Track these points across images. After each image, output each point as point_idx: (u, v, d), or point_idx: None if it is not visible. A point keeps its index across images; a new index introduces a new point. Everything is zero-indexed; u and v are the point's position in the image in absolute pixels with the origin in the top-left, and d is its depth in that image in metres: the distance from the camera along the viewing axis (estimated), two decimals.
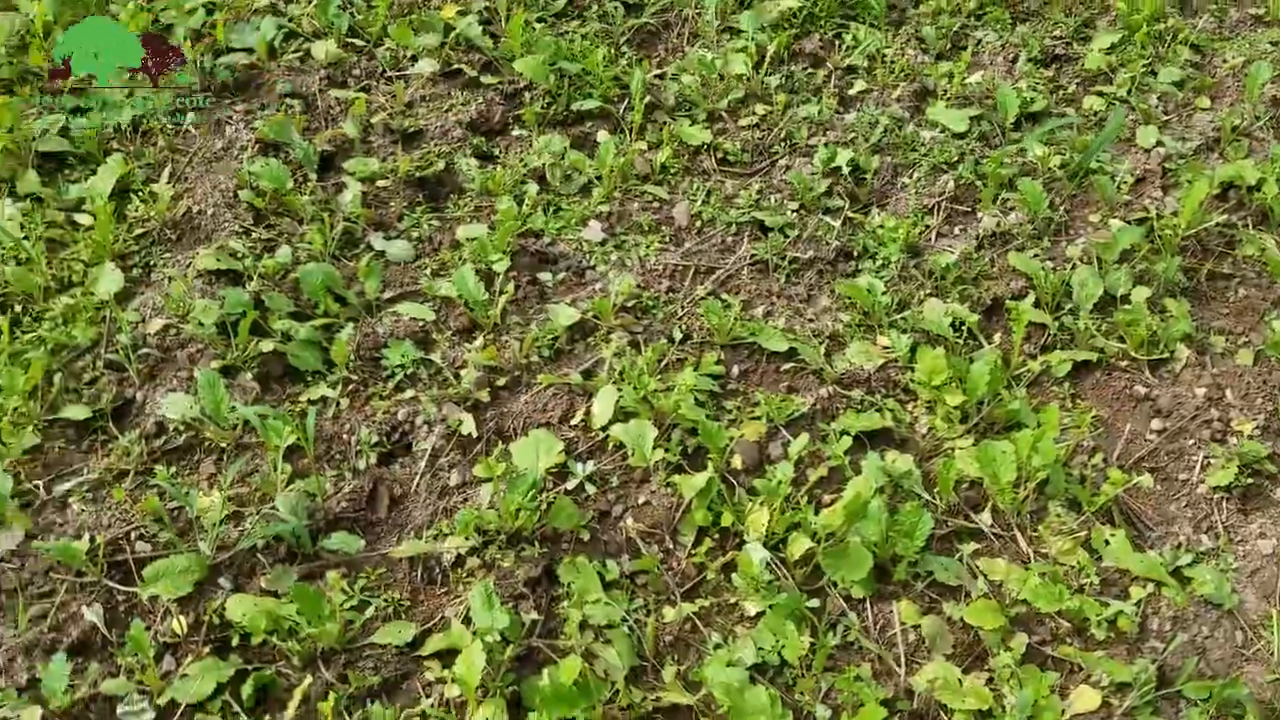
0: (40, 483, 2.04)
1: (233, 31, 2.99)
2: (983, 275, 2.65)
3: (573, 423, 2.26)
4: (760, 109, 3.07)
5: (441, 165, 2.82)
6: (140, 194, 2.56)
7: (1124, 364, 2.47)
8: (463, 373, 2.33)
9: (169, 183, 2.59)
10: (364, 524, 2.08)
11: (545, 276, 2.61)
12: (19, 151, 2.59)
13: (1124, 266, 2.60)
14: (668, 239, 2.74)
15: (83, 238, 2.44)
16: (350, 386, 2.29)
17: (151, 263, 2.45)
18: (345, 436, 2.19)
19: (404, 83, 3.01)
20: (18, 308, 2.32)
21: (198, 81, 2.86)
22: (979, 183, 2.86)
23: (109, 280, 2.31)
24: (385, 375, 2.32)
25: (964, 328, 2.49)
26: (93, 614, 1.84)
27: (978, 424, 2.30)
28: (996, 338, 2.49)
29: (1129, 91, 3.12)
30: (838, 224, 2.77)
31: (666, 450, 2.18)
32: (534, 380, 2.33)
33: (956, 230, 2.78)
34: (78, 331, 2.23)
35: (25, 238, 2.41)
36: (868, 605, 2.01)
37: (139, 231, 2.50)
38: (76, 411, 2.10)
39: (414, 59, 3.07)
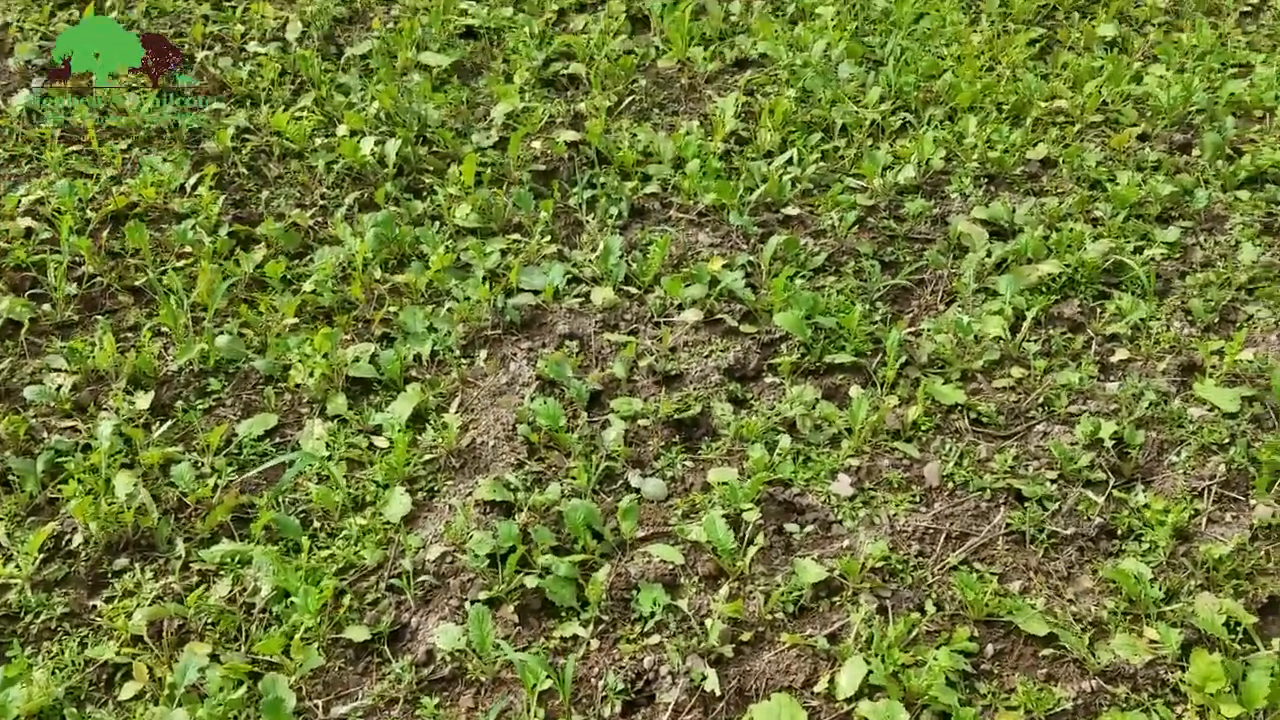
0: (319, 702, 2.21)
1: (524, 274, 3.31)
2: (1258, 570, 2.48)
3: (816, 689, 2.24)
4: (1016, 372, 3.07)
5: (698, 408, 2.97)
6: (433, 423, 2.83)
7: None
8: (708, 622, 2.37)
9: (458, 413, 2.85)
10: None
11: (792, 528, 2.65)
12: (332, 375, 2.94)
13: None
14: (918, 499, 2.73)
15: (379, 460, 2.71)
16: (600, 627, 2.38)
17: (436, 488, 2.67)
18: (593, 680, 2.26)
19: (670, 329, 3.22)
20: (316, 523, 2.57)
21: (489, 319, 3.16)
22: (1252, 468, 2.71)
23: (398, 504, 2.55)
24: (634, 618, 2.40)
25: (1239, 628, 2.33)
26: None
27: None
28: (1275, 642, 2.31)
29: None
30: (1100, 500, 2.68)
31: None
32: (778, 638, 2.34)
33: (1228, 518, 2.64)
34: (366, 552, 2.44)
35: (329, 457, 2.69)
36: None
37: (428, 457, 2.75)
38: (358, 633, 2.28)
39: (680, 307, 3.29)
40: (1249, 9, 4.91)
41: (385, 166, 3.62)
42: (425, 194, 3.60)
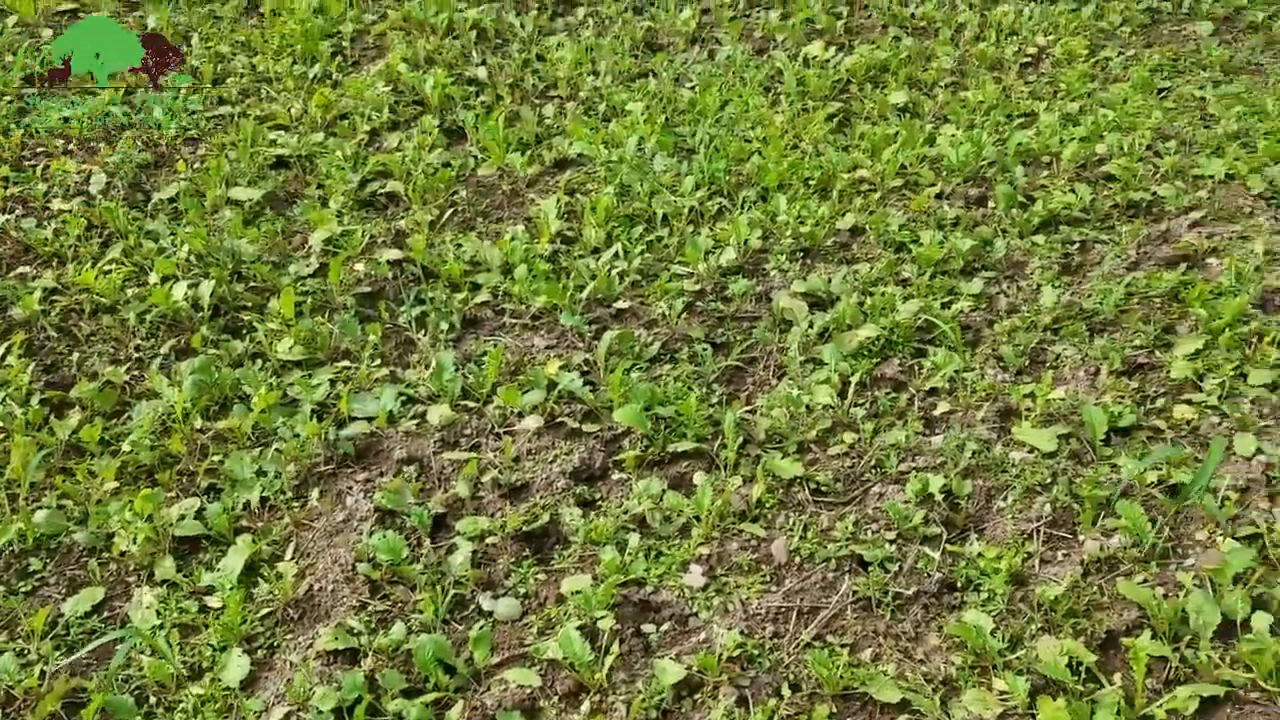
0: None
1: (354, 402, 3.26)
2: (1094, 605, 2.59)
3: None
4: (848, 437, 3.17)
5: (547, 517, 2.95)
6: (267, 574, 2.73)
7: (1254, 696, 2.34)
8: None
9: (293, 560, 2.77)
10: None
11: (649, 628, 2.64)
12: (158, 538, 2.82)
13: (1239, 589, 2.51)
14: (768, 578, 2.77)
15: (213, 622, 2.60)
16: None
17: (276, 644, 2.57)
18: None
19: (511, 439, 3.21)
20: (152, 699, 2.44)
21: (321, 454, 3.09)
22: (1075, 505, 2.85)
23: (236, 667, 2.44)
24: None
25: (1082, 668, 2.42)
26: None
27: None
28: (1116, 677, 2.40)
29: (1220, 398, 3.13)
30: (937, 555, 2.77)
31: None
32: None
33: (1060, 556, 2.75)
34: None
35: (160, 626, 2.57)
36: None
37: (264, 612, 2.65)
38: None
39: (520, 415, 3.28)
40: (1028, 60, 5.27)
41: (200, 310, 3.53)
42: (245, 332, 3.52)
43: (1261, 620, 2.45)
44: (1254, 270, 3.63)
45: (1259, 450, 2.93)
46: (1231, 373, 3.21)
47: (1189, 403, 3.14)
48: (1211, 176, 4.19)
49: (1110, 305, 3.53)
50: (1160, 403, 3.17)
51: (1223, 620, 2.47)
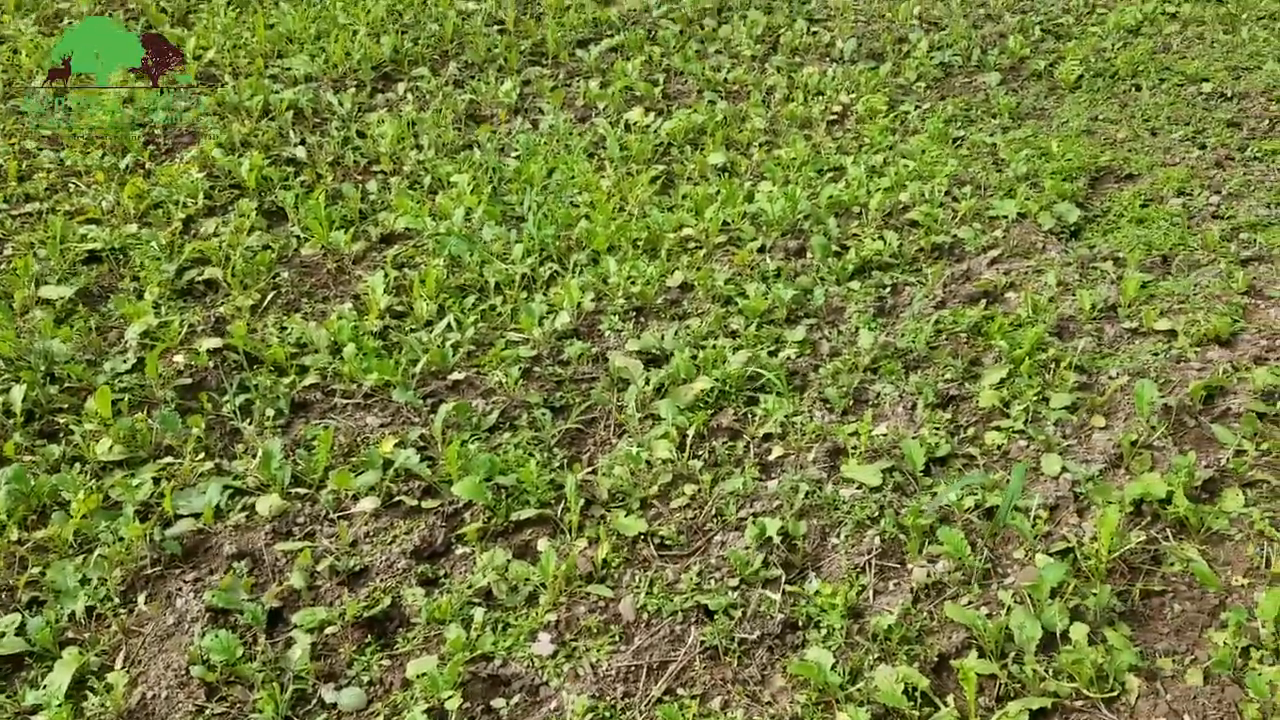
0: None
1: (180, 499, 3.13)
2: (925, 630, 2.71)
3: None
4: (689, 489, 3.23)
5: (388, 601, 2.90)
6: (96, 687, 2.59)
7: (1079, 704, 2.48)
8: None
9: (123, 669, 2.63)
10: None
11: (499, 703, 2.62)
12: None
13: (1057, 602, 2.67)
14: (618, 638, 2.78)
15: None
16: None
17: None
18: None
19: (347, 523, 3.14)
20: None
21: (148, 555, 2.96)
22: (903, 535, 2.98)
23: None
24: None
25: (917, 692, 2.51)
26: None
27: None
28: (950, 699, 2.51)
29: (1025, 422, 3.34)
30: (778, 596, 2.84)
31: None
32: None
33: (891, 586, 2.87)
34: None
35: None
36: None
37: None
38: None
39: (356, 498, 3.22)
40: (835, 117, 5.57)
41: (12, 416, 3.35)
42: (61, 436, 3.35)
43: (1079, 631, 2.61)
44: (1048, 301, 3.91)
45: (1064, 469, 3.13)
46: (1034, 398, 3.43)
47: (998, 429, 3.34)
48: (1005, 216, 4.51)
49: (922, 343, 3.73)
50: (972, 431, 3.36)
51: (1044, 634, 2.62)
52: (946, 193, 4.71)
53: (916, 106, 5.59)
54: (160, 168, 4.67)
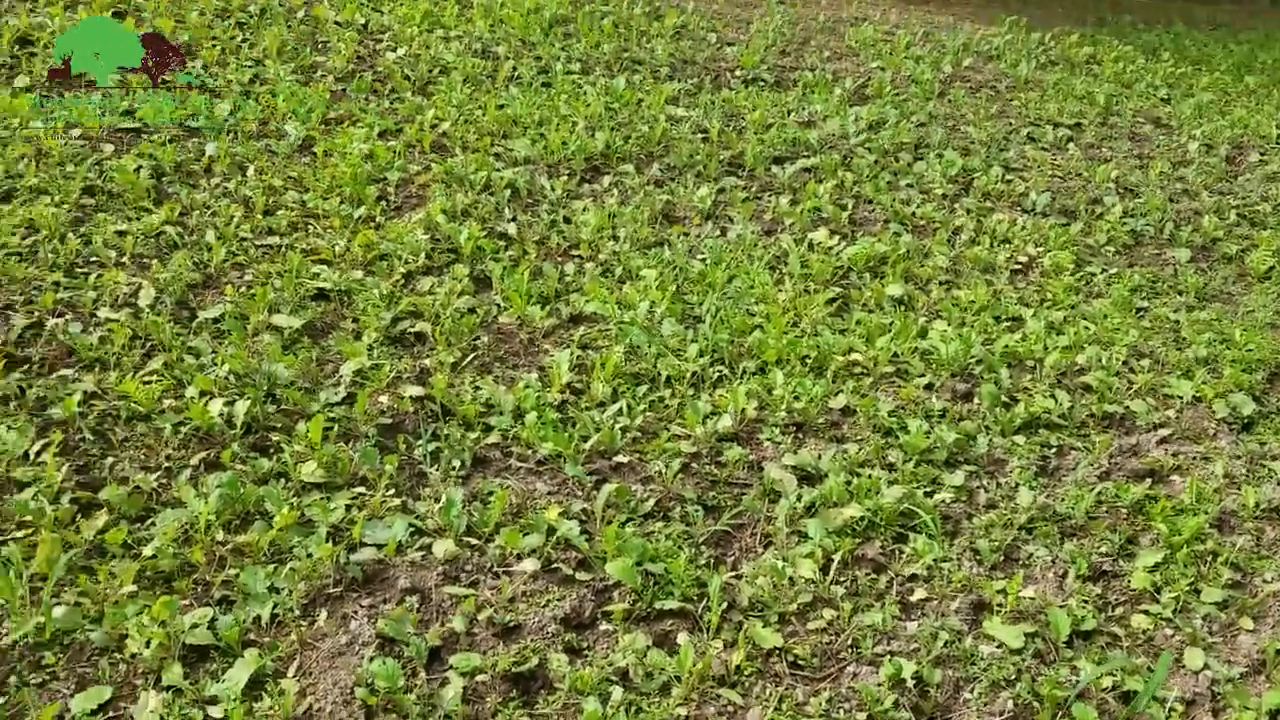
0: None
1: (367, 529, 3.44)
2: None
3: None
4: (828, 614, 3.35)
5: (536, 660, 3.10)
6: (270, 689, 2.87)
7: None
8: None
9: (295, 677, 2.91)
10: None
11: None
12: (169, 643, 2.96)
13: None
14: None
15: None
16: None
17: None
18: None
19: (509, 579, 3.39)
20: None
21: (331, 575, 3.26)
22: (1036, 703, 3.02)
23: None
24: None
25: None
26: None
27: None
28: None
29: (1174, 611, 3.34)
30: None
31: None
32: None
33: None
34: None
35: None
36: None
37: None
38: None
39: (519, 557, 3.46)
40: (1019, 267, 5.67)
41: (233, 427, 3.75)
42: (272, 452, 3.73)
43: None
44: (1213, 491, 3.90)
45: (1206, 666, 3.13)
46: (1186, 588, 3.43)
47: (1146, 613, 3.35)
48: (1180, 397, 4.51)
49: (1081, 511, 3.78)
50: (1120, 610, 3.38)
51: None
52: (1124, 362, 4.75)
53: (1103, 270, 5.64)
54: (389, 223, 5.14)
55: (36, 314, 4.13)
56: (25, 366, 3.89)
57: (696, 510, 3.72)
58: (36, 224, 4.63)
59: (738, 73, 8.12)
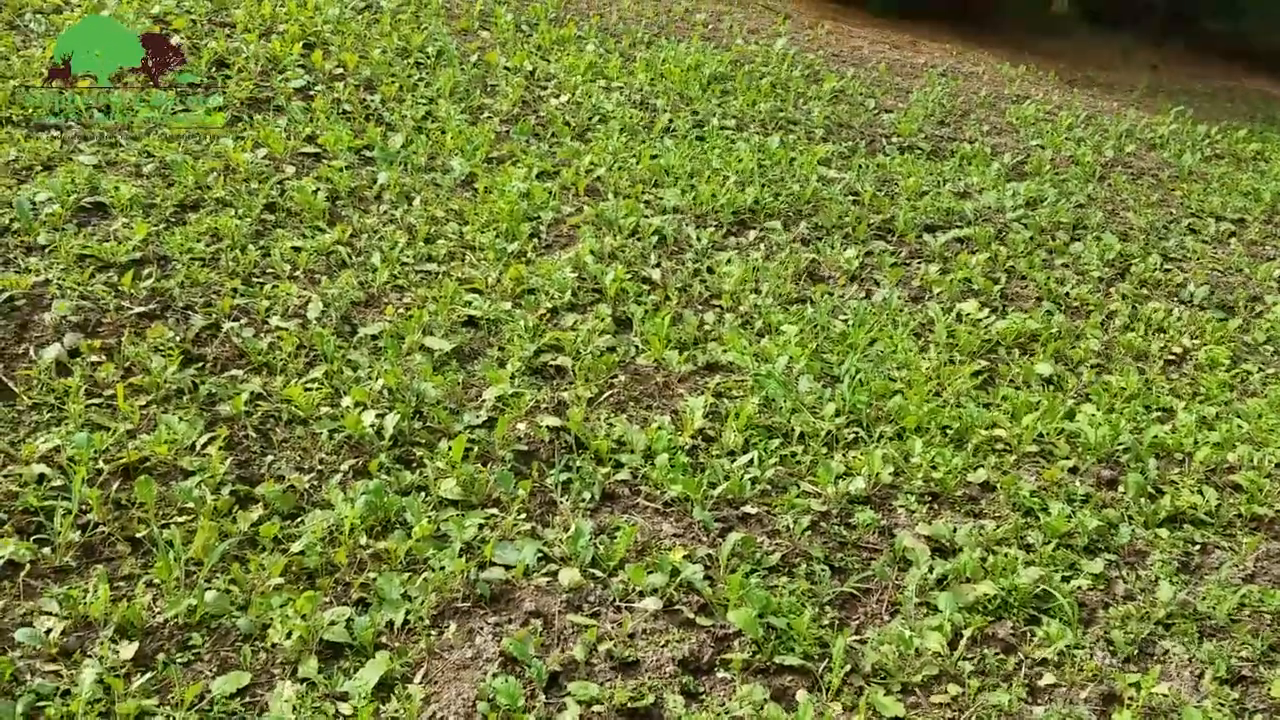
0: None
1: (498, 549, 3.53)
2: None
3: None
4: (953, 689, 3.27)
5: (651, 699, 3.12)
6: (398, 693, 2.97)
7: None
8: None
9: (422, 684, 3.00)
10: None
11: None
12: (308, 637, 3.09)
13: None
14: None
15: None
16: None
17: None
18: None
19: (630, 614, 3.42)
20: None
21: (461, 590, 3.35)
22: None
23: None
24: None
25: None
26: None
27: None
28: None
29: None
30: None
31: None
32: None
33: None
34: None
35: None
36: None
37: None
38: None
39: (641, 594, 3.50)
40: (1173, 358, 5.48)
41: (382, 438, 3.92)
42: (415, 466, 3.87)
43: None
44: None
45: None
46: None
47: None
48: None
49: (1223, 612, 3.60)
50: (1259, 718, 3.20)
51: None
52: (1277, 465, 4.52)
53: (1260, 369, 5.41)
54: (540, 259, 5.31)
55: (214, 316, 4.41)
56: (200, 364, 4.16)
57: (823, 570, 3.69)
58: (220, 233, 4.96)
59: (894, 139, 8.13)
